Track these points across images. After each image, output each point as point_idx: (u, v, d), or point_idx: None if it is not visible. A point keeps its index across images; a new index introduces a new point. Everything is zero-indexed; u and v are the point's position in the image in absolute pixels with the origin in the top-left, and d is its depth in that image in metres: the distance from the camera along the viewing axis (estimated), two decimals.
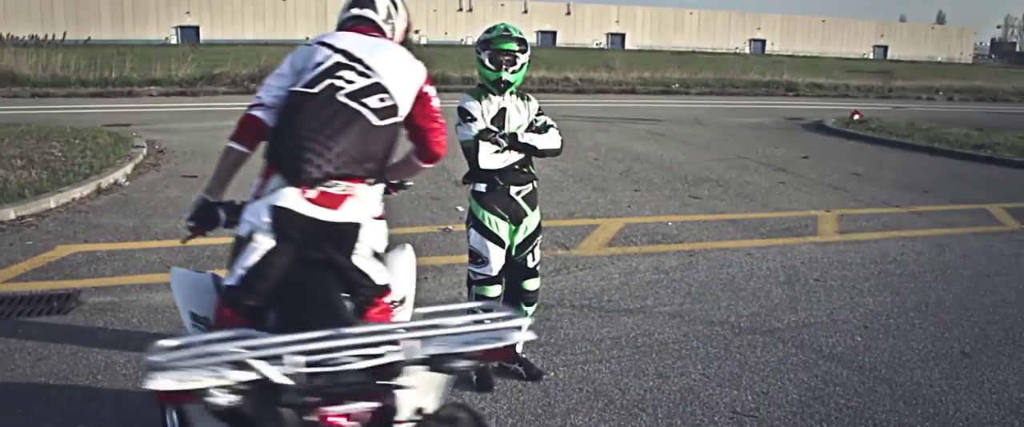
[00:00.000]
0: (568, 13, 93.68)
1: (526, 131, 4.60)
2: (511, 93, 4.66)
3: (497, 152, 4.51)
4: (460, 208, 9.12)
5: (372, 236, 3.05)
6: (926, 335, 5.98)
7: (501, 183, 4.59)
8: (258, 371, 2.24)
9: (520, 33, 4.63)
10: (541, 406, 4.61)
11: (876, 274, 7.54)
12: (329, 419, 2.45)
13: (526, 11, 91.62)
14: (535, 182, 4.74)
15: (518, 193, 4.64)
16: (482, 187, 4.61)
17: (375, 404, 2.47)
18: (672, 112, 23.39)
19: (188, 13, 78.32)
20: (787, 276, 7.34)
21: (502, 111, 4.60)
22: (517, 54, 4.55)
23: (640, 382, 4.96)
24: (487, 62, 4.55)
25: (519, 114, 4.65)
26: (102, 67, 25.99)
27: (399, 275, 3.43)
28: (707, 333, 5.84)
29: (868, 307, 6.57)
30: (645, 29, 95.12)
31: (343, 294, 2.95)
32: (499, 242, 4.63)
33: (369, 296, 3.03)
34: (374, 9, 3.48)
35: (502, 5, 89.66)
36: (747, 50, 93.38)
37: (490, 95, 4.61)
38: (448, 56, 39.21)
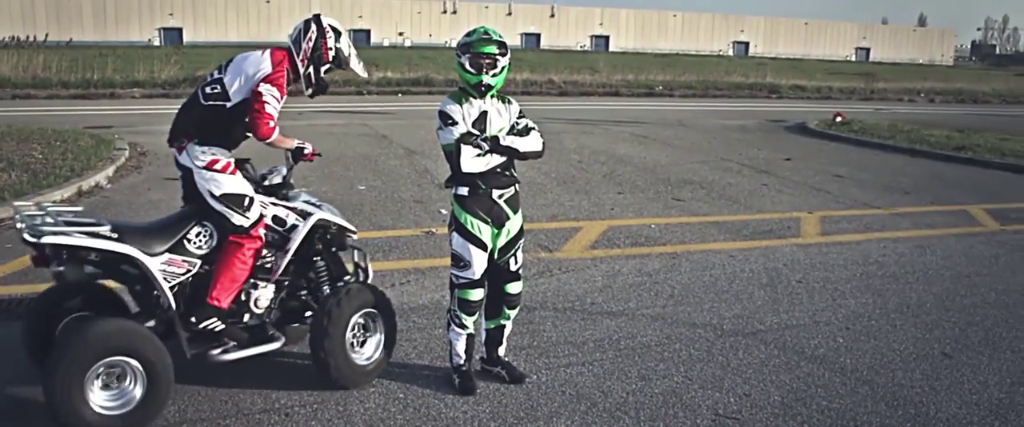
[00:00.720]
0: (552, 15, 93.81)
1: (507, 134, 4.60)
2: (492, 96, 4.65)
3: (479, 156, 4.50)
4: (443, 211, 9.11)
5: (207, 181, 4.50)
6: (907, 336, 6.01)
7: (483, 187, 4.57)
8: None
9: (500, 36, 4.62)
10: (523, 409, 4.61)
11: (858, 275, 7.58)
12: None
13: (510, 13, 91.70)
14: (517, 185, 4.73)
15: (500, 196, 4.63)
16: (464, 191, 4.59)
17: None
18: (655, 114, 23.44)
19: (171, 15, 78.04)
20: (769, 278, 7.36)
21: (483, 114, 4.60)
22: (497, 57, 4.54)
23: (623, 385, 4.96)
24: (467, 66, 4.54)
25: (500, 117, 4.64)
26: (84, 69, 25.80)
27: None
28: (690, 335, 5.85)
29: (850, 308, 6.60)
30: (629, 31, 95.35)
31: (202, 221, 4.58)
32: (482, 246, 4.62)
33: (223, 230, 4.54)
34: (291, 34, 4.81)
35: (486, 7, 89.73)
36: (730, 52, 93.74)
37: (471, 98, 4.61)
38: (432, 58, 39.29)
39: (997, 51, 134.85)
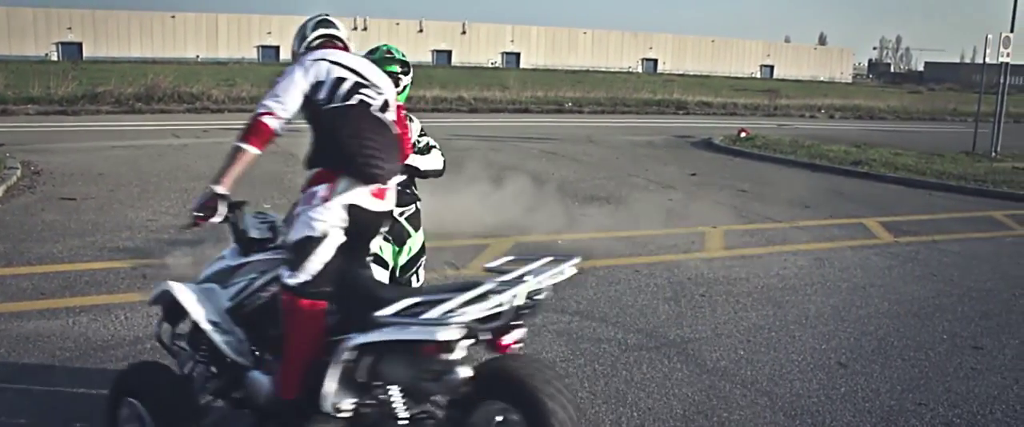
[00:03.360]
0: (463, 32, 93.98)
1: None
2: None
3: None
4: None
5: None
6: (805, 347, 6.16)
7: None
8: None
9: (403, 55, 4.61)
10: None
11: (759, 288, 7.75)
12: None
13: (421, 30, 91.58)
14: (418, 203, 4.72)
15: (401, 214, 4.61)
16: None
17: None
18: (565, 131, 23.65)
19: (70, 29, 75.72)
20: (674, 292, 7.48)
21: None
22: (400, 76, 4.53)
23: None
24: None
25: None
26: None
27: None
28: (594, 351, 5.89)
29: (751, 321, 6.75)
30: (540, 48, 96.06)
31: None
32: (382, 263, 4.59)
33: None
34: (337, 28, 4.02)
35: (397, 24, 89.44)
36: (639, 69, 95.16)
37: None
38: None
39: (892, 69, 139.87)
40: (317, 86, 3.61)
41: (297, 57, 3.85)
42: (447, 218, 8.98)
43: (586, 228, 10.07)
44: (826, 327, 6.68)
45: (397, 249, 4.62)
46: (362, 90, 3.65)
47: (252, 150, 3.55)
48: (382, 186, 3.61)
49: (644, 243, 9.40)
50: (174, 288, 3.68)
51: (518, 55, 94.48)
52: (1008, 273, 8.79)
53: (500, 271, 3.50)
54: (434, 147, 4.69)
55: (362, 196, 3.53)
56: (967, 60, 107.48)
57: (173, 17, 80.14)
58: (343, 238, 3.53)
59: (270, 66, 66.59)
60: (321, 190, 3.55)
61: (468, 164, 13.62)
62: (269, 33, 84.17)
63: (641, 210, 11.35)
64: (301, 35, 4.00)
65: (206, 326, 3.61)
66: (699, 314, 6.87)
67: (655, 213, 11.16)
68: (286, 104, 3.58)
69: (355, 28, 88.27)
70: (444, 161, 4.70)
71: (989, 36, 20.33)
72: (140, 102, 24.70)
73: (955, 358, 6.09)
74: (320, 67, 3.64)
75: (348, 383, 3.37)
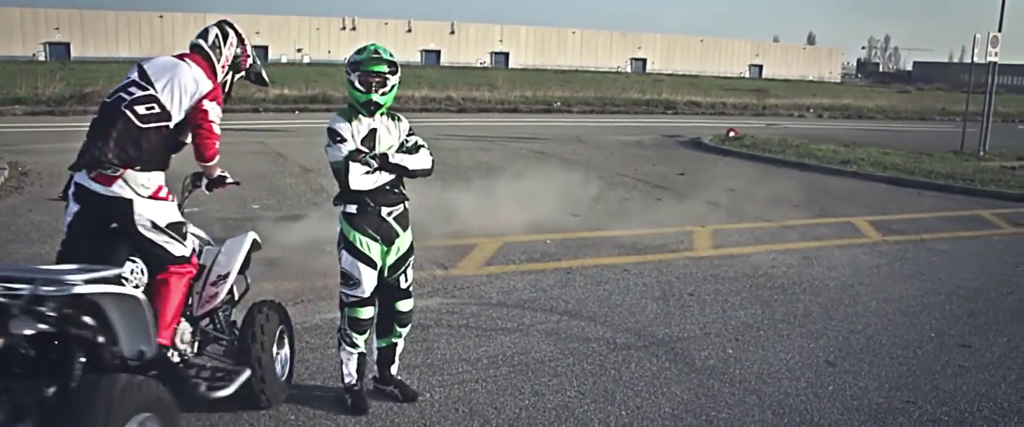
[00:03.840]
0: (452, 32, 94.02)
1: (397, 152, 4.57)
2: (381, 114, 4.62)
3: (367, 173, 4.46)
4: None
5: (150, 211, 4.12)
6: (793, 345, 6.17)
7: (372, 204, 4.54)
8: None
9: (391, 55, 4.59)
10: None
11: (748, 287, 7.76)
12: None
13: (410, 30, 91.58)
14: (406, 203, 4.71)
15: (389, 214, 4.60)
16: (353, 208, 4.55)
17: None
18: (553, 131, 23.66)
19: (57, 29, 75.44)
20: (662, 291, 7.48)
21: (372, 132, 4.56)
22: (387, 76, 4.51)
23: (516, 401, 4.96)
24: (357, 84, 4.50)
25: (390, 135, 4.61)
26: None
27: (228, 254, 4.70)
28: (583, 350, 5.89)
29: (739, 319, 6.75)
30: (528, 48, 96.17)
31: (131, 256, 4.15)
32: (371, 263, 4.57)
33: (162, 262, 4.19)
34: (205, 39, 4.55)
35: (386, 24, 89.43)
36: (628, 69, 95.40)
37: (360, 116, 4.56)
38: (330, 75, 38.85)
39: (880, 69, 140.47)
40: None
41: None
42: (431, 218, 9.00)
43: (575, 227, 10.06)
44: (815, 326, 6.70)
45: (385, 249, 4.61)
46: (129, 87, 4.28)
47: None
48: (100, 171, 4.07)
49: (633, 242, 9.40)
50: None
51: (507, 55, 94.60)
52: (995, 271, 8.83)
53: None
54: (423, 146, 4.67)
55: (82, 176, 4.12)
56: (956, 60, 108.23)
57: (161, 17, 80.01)
58: (77, 208, 4.17)
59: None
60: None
61: (455, 164, 13.61)
62: (257, 33, 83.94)
63: (630, 209, 11.36)
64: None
65: None
66: (688, 313, 6.88)
67: (643, 212, 11.17)
68: None
69: (344, 28, 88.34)
70: (432, 161, 4.68)
71: (977, 36, 20.42)
72: None
73: (943, 356, 6.10)
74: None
75: None
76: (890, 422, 4.91)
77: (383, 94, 4.51)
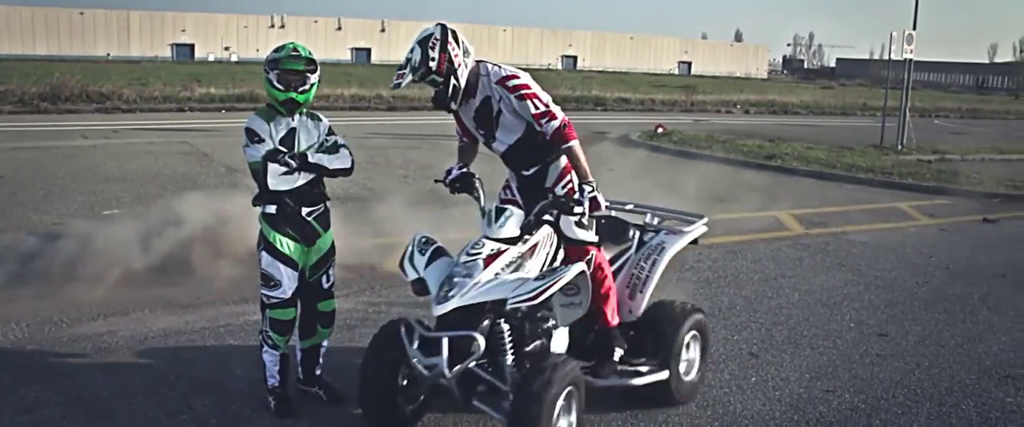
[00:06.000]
0: (383, 30, 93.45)
1: (316, 151, 4.52)
2: (301, 113, 4.56)
3: (286, 173, 4.40)
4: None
5: None
6: (718, 338, 6.25)
7: (292, 204, 4.49)
8: None
9: (309, 53, 4.53)
10: None
11: (672, 281, 7.82)
12: None
13: (340, 28, 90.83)
14: (327, 202, 4.67)
15: (310, 214, 4.55)
16: (272, 209, 4.49)
17: None
18: None
19: None
20: None
21: (292, 131, 4.51)
22: (306, 74, 4.45)
23: (445, 400, 4.93)
24: (276, 82, 4.44)
25: (309, 134, 4.56)
26: None
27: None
28: None
29: None
30: None
31: None
32: (292, 264, 4.52)
33: None
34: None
35: (315, 22, 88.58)
36: (559, 66, 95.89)
37: (279, 115, 4.50)
38: (258, 73, 38.07)
39: (805, 65, 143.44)
40: None
41: (465, 68, 4.37)
42: (357, 217, 8.91)
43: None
44: (739, 318, 6.81)
45: (306, 249, 4.56)
46: None
47: (578, 142, 4.49)
48: None
49: None
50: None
51: None
52: (912, 262, 9.08)
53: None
54: (343, 146, 4.63)
55: None
56: (876, 57, 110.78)
57: (81, 14, 77.93)
58: None
59: (185, 65, 65.37)
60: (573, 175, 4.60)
61: (384, 163, 13.52)
62: (183, 31, 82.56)
63: None
64: (465, 50, 4.34)
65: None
66: None
67: None
68: None
69: (273, 25, 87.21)
70: (352, 160, 4.64)
71: (893, 33, 20.97)
72: (45, 102, 23.86)
73: (861, 345, 6.26)
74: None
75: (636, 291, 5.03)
76: (810, 411, 5.01)
77: (302, 92, 4.46)
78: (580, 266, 4.15)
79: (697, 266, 8.45)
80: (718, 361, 5.78)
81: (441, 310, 3.99)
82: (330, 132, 4.66)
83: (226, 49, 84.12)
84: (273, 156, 4.39)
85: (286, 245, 4.49)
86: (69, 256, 7.38)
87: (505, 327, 4.17)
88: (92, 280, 6.89)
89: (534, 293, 3.94)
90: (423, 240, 4.46)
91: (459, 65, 4.28)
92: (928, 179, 15.30)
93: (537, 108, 4.40)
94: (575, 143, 4.41)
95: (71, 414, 4.57)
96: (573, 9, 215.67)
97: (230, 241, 7.72)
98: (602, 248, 4.69)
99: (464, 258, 4.18)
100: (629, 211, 5.50)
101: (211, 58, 79.01)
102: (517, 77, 4.41)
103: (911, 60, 20.97)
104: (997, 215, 12.25)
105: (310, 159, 4.46)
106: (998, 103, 57.43)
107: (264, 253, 4.53)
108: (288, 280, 4.52)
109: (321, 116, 4.71)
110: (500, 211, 4.42)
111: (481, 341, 4.01)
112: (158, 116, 23.01)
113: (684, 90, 42.70)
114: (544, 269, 4.30)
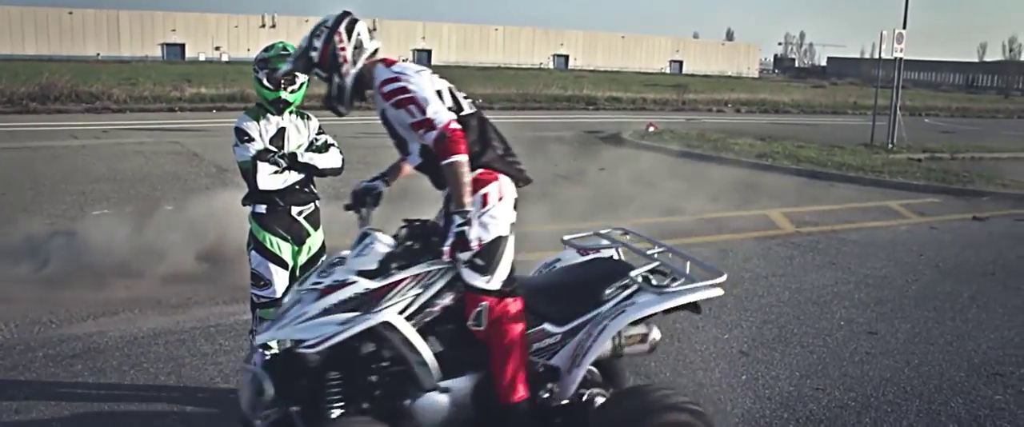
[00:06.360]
0: (373, 29, 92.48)
1: (306, 150, 4.52)
2: (291, 112, 4.56)
3: (276, 173, 4.40)
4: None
5: None
6: (709, 337, 6.28)
7: (282, 204, 4.49)
8: None
9: None
10: None
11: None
12: None
13: None
14: (318, 202, 4.66)
15: (300, 213, 4.55)
16: (262, 208, 4.49)
17: None
18: None
19: None
20: None
21: (281, 131, 4.50)
22: (296, 74, 4.45)
23: None
24: (265, 81, 4.44)
25: (299, 133, 4.56)
26: None
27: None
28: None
29: None
30: (451, 45, 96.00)
31: None
32: (282, 264, 4.51)
33: None
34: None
35: (306, 21, 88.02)
36: (551, 65, 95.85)
37: (269, 115, 4.50)
38: (249, 73, 38.08)
39: (796, 64, 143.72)
40: (440, 94, 3.63)
41: (352, 65, 3.68)
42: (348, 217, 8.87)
43: None
44: (729, 317, 6.82)
45: (296, 249, 4.56)
46: (465, 100, 3.83)
47: (462, 157, 3.50)
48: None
49: (552, 238, 9.41)
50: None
51: (429, 52, 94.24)
52: (902, 260, 9.10)
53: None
54: (333, 145, 4.64)
55: (513, 194, 3.76)
56: (867, 56, 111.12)
57: (70, 13, 77.64)
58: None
59: (175, 65, 65.16)
60: (493, 190, 3.67)
61: (375, 162, 13.47)
62: (173, 31, 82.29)
63: (548, 206, 11.39)
64: (358, 44, 3.68)
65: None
66: None
67: (561, 209, 11.21)
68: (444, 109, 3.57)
69: (264, 25, 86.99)
70: (342, 159, 4.64)
71: (883, 32, 21.04)
72: (35, 101, 23.78)
73: (851, 343, 6.28)
74: (431, 77, 3.70)
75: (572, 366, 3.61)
76: (800, 409, 5.03)
77: (292, 92, 4.46)
78: (375, 318, 3.32)
79: None
80: (708, 360, 5.79)
81: (257, 340, 3.57)
82: (320, 131, 4.66)
83: (216, 49, 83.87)
84: (263, 156, 4.39)
85: (276, 245, 4.49)
86: (58, 256, 7.37)
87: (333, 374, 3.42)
88: (82, 280, 6.88)
89: (319, 339, 3.25)
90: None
91: (344, 61, 3.61)
92: (918, 177, 15.34)
93: (414, 117, 3.50)
94: (457, 159, 3.42)
95: (60, 415, 4.56)
96: (565, 8, 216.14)
97: (220, 241, 7.71)
98: (514, 297, 3.60)
99: (308, 284, 3.48)
100: (635, 249, 4.50)
101: (201, 58, 78.74)
102: (397, 80, 3.56)
103: (901, 59, 21.03)
104: (987, 213, 12.29)
105: (300, 158, 4.46)
106: (988, 102, 57.66)
107: (254, 253, 4.53)
108: (278, 280, 4.52)
109: (311, 115, 4.71)
110: (363, 237, 3.64)
111: (268, 386, 3.29)
112: (148, 116, 22.92)
113: (676, 89, 42.72)
114: (421, 317, 3.46)
